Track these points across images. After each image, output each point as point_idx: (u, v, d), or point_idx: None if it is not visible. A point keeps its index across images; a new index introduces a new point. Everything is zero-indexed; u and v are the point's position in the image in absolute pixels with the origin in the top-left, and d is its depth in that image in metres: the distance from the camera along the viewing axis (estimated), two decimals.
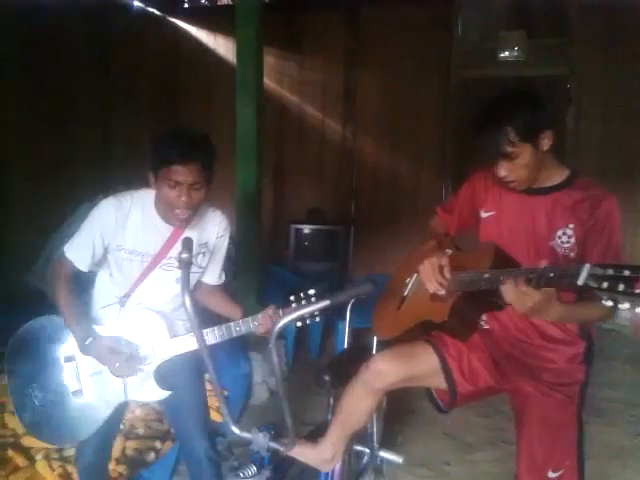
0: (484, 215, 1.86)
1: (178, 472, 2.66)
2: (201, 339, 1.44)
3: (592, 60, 5.08)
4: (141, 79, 6.21)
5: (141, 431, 3.00)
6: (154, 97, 6.22)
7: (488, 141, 1.64)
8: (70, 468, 2.63)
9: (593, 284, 1.28)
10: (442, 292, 1.72)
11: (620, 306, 1.25)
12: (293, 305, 1.93)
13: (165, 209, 1.86)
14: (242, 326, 1.93)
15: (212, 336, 1.91)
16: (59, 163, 5.51)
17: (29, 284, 4.16)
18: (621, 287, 1.22)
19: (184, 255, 1.38)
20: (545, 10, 5.24)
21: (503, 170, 1.66)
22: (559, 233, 1.68)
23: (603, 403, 3.51)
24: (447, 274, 1.70)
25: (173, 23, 6.10)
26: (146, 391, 1.96)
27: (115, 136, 6.22)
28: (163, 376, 1.97)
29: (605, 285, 1.25)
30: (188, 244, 1.41)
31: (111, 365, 1.87)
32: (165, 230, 1.91)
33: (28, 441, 2.80)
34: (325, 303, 1.35)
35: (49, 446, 2.76)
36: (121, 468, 2.67)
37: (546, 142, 1.65)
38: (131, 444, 2.87)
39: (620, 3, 4.74)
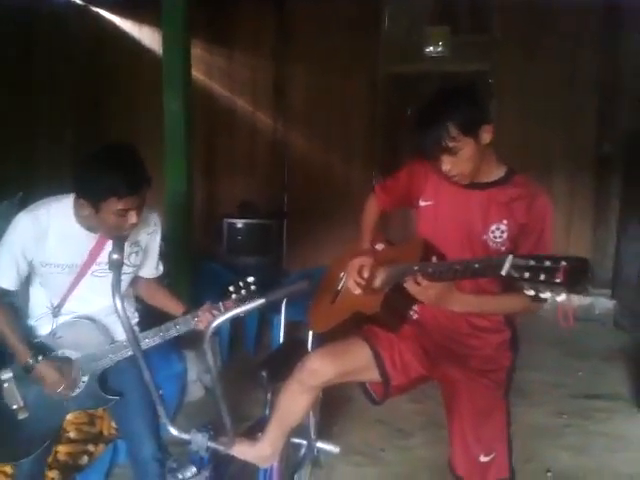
0: (422, 204, 1.89)
1: (113, 475, 2.61)
2: (133, 340, 1.42)
3: (512, 58, 5.30)
4: (62, 73, 5.95)
5: (72, 435, 2.90)
6: (76, 93, 5.98)
7: (430, 137, 1.66)
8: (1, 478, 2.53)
9: (515, 274, 1.33)
10: (357, 292, 1.81)
11: (541, 295, 1.29)
12: (233, 296, 1.92)
13: (107, 232, 1.78)
14: (181, 325, 1.91)
15: (152, 339, 1.89)
16: None
17: None
18: (542, 277, 1.27)
19: (115, 256, 1.35)
20: (468, 7, 5.42)
21: (446, 164, 1.70)
22: (492, 228, 1.74)
23: (528, 385, 3.66)
24: (365, 274, 1.80)
25: (96, 13, 5.87)
26: (91, 400, 1.92)
27: (35, 134, 5.92)
28: (108, 382, 1.94)
29: (527, 275, 1.30)
30: (119, 245, 1.39)
31: (55, 388, 1.84)
32: (89, 238, 1.85)
33: None
34: (260, 301, 1.36)
35: None
36: (54, 474, 2.58)
37: (486, 136, 1.69)
38: (63, 448, 2.77)
39: (541, 4, 4.97)
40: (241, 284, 1.91)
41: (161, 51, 3.69)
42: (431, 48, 5.41)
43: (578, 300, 5.08)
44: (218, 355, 3.92)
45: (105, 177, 1.66)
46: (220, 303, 1.91)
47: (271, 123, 5.86)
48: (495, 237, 1.73)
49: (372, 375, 1.82)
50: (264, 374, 1.97)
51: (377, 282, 1.80)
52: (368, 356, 1.80)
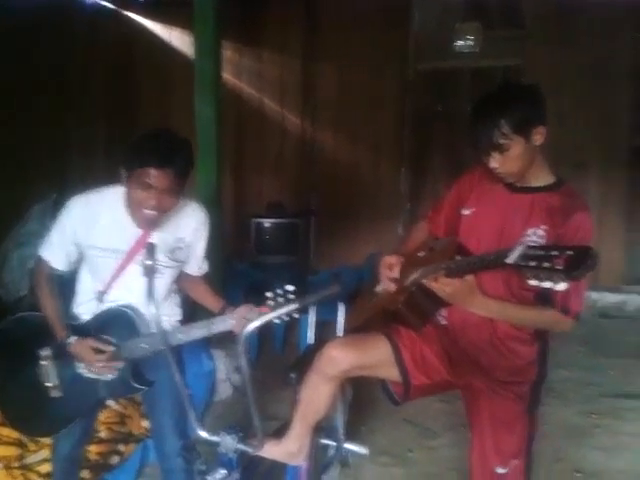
0: (464, 212, 1.87)
1: (143, 474, 2.65)
2: (165, 343, 1.44)
3: (545, 53, 5.20)
4: (95, 76, 6.07)
5: (103, 434, 2.95)
6: (109, 95, 6.09)
7: (481, 132, 1.66)
8: (32, 475, 2.59)
9: (522, 262, 1.32)
10: (391, 288, 1.84)
11: (542, 284, 1.28)
12: (269, 302, 1.90)
13: (133, 209, 1.84)
14: (218, 323, 1.89)
15: (186, 334, 1.88)
16: (11, 165, 5.34)
17: None
18: (545, 264, 1.27)
19: (147, 262, 1.37)
20: (500, 2, 5.35)
21: (494, 162, 1.68)
22: (529, 232, 1.69)
23: (557, 384, 3.62)
24: (395, 272, 1.83)
25: (127, 17, 5.96)
26: (122, 387, 1.96)
27: (69, 136, 6.04)
28: (140, 371, 1.97)
29: (532, 264, 1.29)
30: (151, 250, 1.41)
31: (92, 365, 1.88)
32: (136, 227, 1.90)
33: None
34: (294, 306, 1.36)
35: (9, 454, 2.71)
36: (84, 473, 2.62)
37: (538, 137, 1.67)
38: (94, 448, 2.81)
39: None
40: (279, 292, 1.88)
41: (192, 53, 3.74)
42: (462, 43, 5.35)
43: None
44: (247, 354, 3.94)
45: (139, 148, 1.77)
46: (256, 309, 1.90)
47: (299, 122, 5.87)
48: (532, 242, 1.67)
49: (392, 372, 1.80)
50: (293, 376, 1.97)
51: (407, 281, 1.79)
52: (388, 350, 1.78)
